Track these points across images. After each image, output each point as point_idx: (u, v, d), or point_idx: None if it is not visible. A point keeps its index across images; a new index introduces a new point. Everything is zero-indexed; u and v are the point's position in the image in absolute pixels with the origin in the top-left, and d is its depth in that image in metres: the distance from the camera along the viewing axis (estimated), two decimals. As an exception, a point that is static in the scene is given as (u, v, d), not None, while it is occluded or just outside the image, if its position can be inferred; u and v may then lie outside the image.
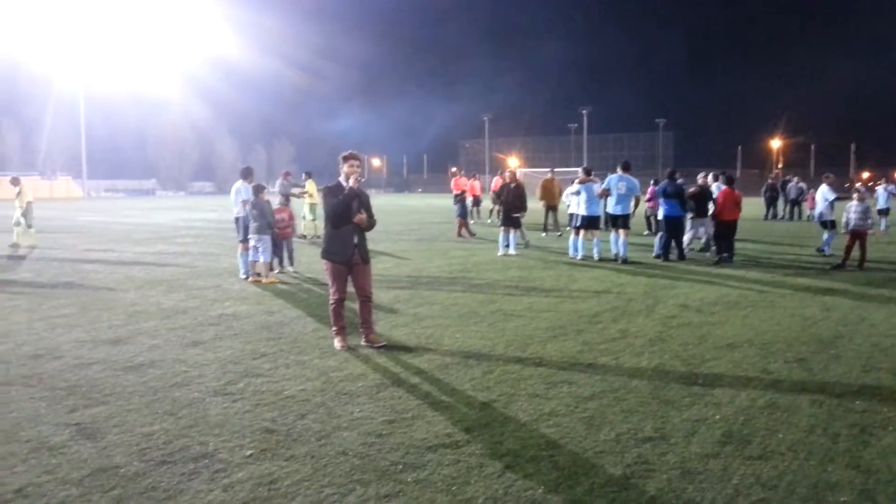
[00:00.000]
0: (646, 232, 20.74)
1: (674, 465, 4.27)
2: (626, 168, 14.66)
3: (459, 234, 20.08)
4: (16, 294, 10.25)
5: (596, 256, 14.54)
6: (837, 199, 15.64)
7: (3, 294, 10.26)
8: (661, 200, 14.80)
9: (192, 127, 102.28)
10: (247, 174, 12.41)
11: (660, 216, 15.39)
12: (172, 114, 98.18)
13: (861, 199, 13.42)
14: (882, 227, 22.37)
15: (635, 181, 14.62)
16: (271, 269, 11.66)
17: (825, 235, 15.82)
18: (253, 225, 11.30)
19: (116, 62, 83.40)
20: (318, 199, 18.96)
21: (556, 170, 24.43)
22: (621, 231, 14.27)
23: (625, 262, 13.95)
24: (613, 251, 14.46)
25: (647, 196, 19.53)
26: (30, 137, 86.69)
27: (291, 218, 13.13)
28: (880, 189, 25.29)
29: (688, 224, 15.51)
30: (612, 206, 14.41)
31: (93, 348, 7.00)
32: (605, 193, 14.51)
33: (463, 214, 20.75)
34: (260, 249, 11.34)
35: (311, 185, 19.89)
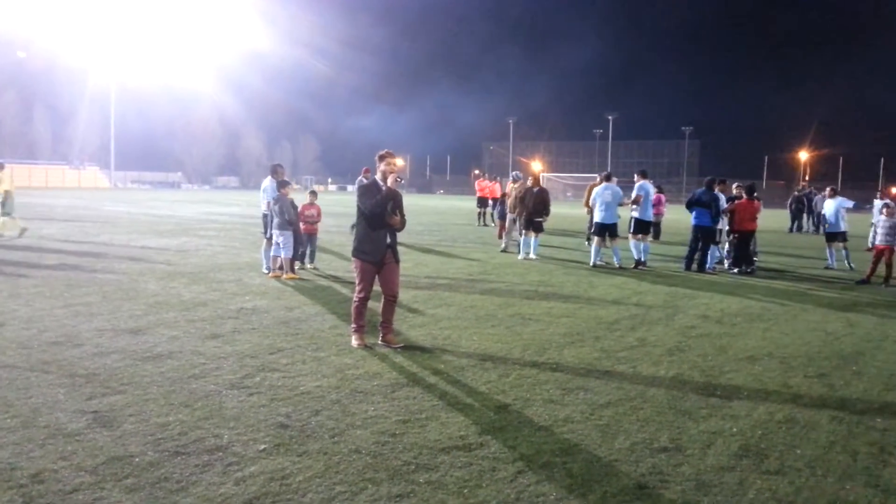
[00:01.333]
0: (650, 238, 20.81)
1: (689, 476, 4.22)
2: (608, 178, 15.00)
3: (500, 237, 19.71)
4: (40, 281, 10.39)
5: (616, 263, 14.45)
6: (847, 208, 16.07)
7: (28, 280, 10.41)
8: (693, 209, 14.56)
9: (220, 121, 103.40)
10: (275, 171, 12.41)
11: (690, 224, 15.40)
12: (201, 108, 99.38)
13: (890, 215, 13.21)
14: None
15: (619, 190, 14.86)
16: (292, 265, 11.69)
17: (842, 251, 15.71)
18: (275, 220, 11.37)
19: (149, 55, 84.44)
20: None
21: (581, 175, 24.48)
22: (614, 240, 14.49)
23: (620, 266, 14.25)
24: (635, 256, 14.56)
25: (653, 201, 19.87)
26: (62, 128, 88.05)
27: (320, 214, 13.12)
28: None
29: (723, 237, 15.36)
30: (599, 216, 14.56)
31: (113, 337, 7.07)
32: (637, 201, 14.78)
33: (503, 215, 20.35)
34: (281, 245, 11.39)
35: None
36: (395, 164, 6.98)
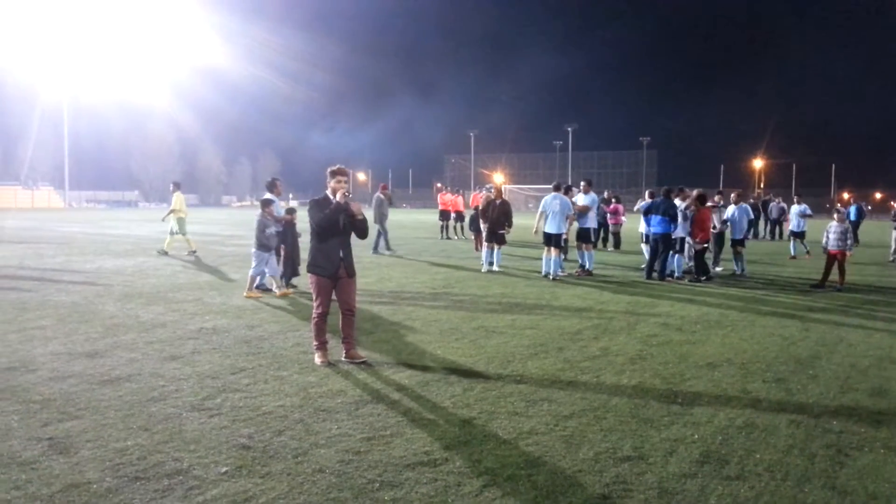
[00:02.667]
0: (604, 247, 21.46)
1: (651, 485, 4.26)
2: (557, 188, 15.00)
3: (478, 249, 19.61)
4: (-8, 305, 10.10)
5: (552, 274, 14.45)
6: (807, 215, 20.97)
7: (-20, 305, 10.12)
8: (650, 217, 14.75)
9: (178, 138, 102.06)
10: (273, 186, 12.14)
11: (644, 231, 16.01)
12: (157, 125, 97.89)
13: (841, 220, 13.57)
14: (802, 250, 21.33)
15: (568, 201, 14.85)
16: (282, 282, 11.70)
17: (801, 245, 19.54)
18: (254, 240, 11.33)
19: (102, 71, 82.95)
20: (184, 213, 18.84)
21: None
22: (554, 250, 14.53)
23: (555, 278, 14.36)
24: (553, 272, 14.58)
25: (611, 210, 22.05)
26: (13, 146, 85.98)
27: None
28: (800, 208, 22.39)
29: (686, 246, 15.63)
30: (548, 227, 14.61)
31: (69, 361, 6.91)
32: (584, 210, 15.18)
33: (477, 228, 20.16)
34: (254, 263, 11.30)
35: (178, 199, 18.79)
36: (344, 182, 6.98)
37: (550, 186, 15.48)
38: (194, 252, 18.45)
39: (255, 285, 11.48)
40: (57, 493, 3.96)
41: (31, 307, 9.93)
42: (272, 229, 11.46)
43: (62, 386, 6.04)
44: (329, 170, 7.01)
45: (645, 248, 17.05)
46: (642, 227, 16.89)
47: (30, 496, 3.92)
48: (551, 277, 14.34)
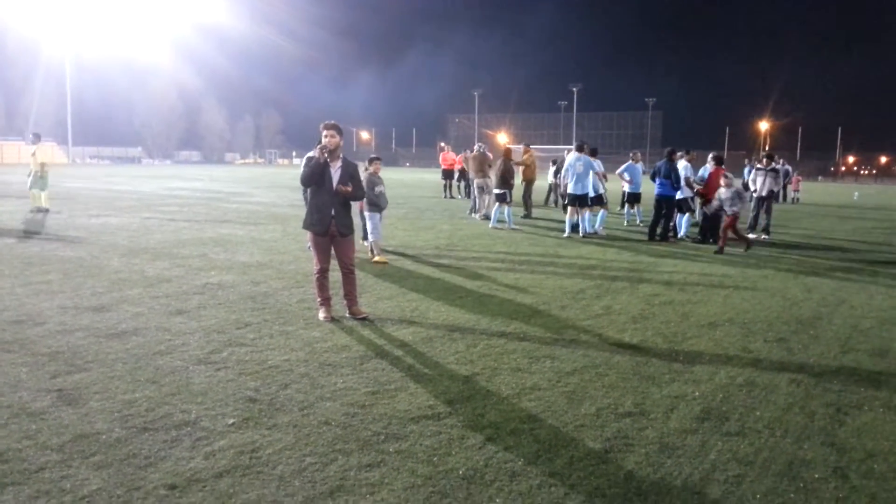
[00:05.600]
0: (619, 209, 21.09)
1: (652, 440, 4.32)
2: (580, 148, 15.05)
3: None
4: (-2, 259, 10.16)
5: (581, 233, 14.64)
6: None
7: (-15, 259, 10.16)
8: (656, 180, 14.76)
9: (181, 95, 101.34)
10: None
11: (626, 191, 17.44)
12: (162, 81, 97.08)
13: (728, 185, 13.13)
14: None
15: (591, 160, 14.90)
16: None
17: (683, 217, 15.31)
18: (364, 201, 10.70)
19: (107, 27, 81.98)
20: (43, 169, 17.76)
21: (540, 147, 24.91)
22: (586, 209, 14.77)
23: (594, 234, 14.99)
24: (584, 230, 14.85)
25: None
26: (16, 102, 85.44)
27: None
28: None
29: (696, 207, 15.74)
30: (572, 187, 14.70)
31: (76, 315, 6.97)
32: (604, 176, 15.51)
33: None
34: (370, 228, 10.84)
35: (41, 151, 17.86)
36: (329, 135, 6.88)
37: (566, 148, 15.60)
38: (46, 210, 17.48)
39: (376, 248, 10.91)
40: (67, 443, 4.03)
41: (36, 262, 9.98)
42: (381, 188, 10.95)
43: (69, 339, 6.10)
44: (322, 125, 6.97)
45: (626, 208, 18.08)
46: (625, 187, 17.80)
47: (40, 445, 3.99)
48: (582, 235, 14.66)
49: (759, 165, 16.29)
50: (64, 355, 5.64)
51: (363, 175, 10.33)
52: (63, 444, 4.01)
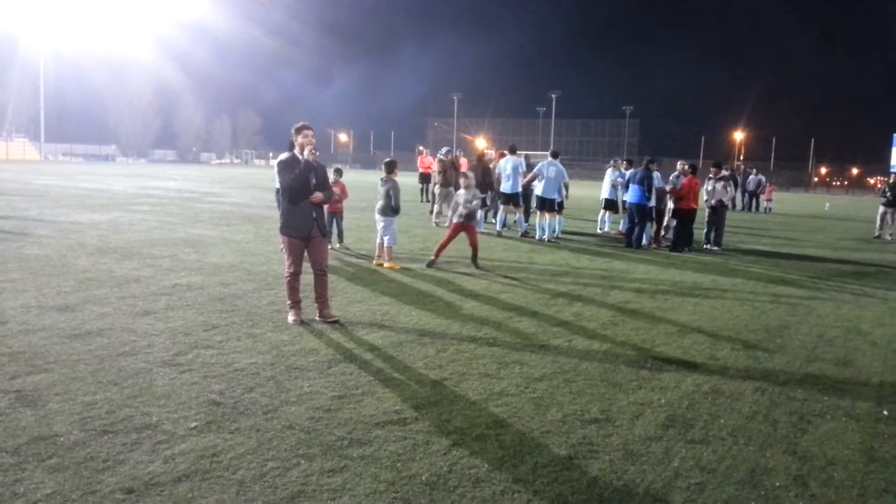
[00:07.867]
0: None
1: (617, 446, 4.33)
2: (555, 155, 15.67)
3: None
4: (-38, 257, 9.95)
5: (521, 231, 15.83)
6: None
7: (-51, 256, 9.96)
8: (630, 186, 14.95)
9: (157, 93, 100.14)
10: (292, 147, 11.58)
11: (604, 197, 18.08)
12: (137, 78, 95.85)
13: (467, 187, 11.10)
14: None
15: (563, 169, 15.45)
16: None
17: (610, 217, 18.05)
18: (379, 204, 10.80)
19: (82, 23, 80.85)
20: None
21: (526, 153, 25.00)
22: (548, 214, 15.08)
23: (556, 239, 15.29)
24: (539, 235, 15.17)
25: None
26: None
27: (345, 192, 12.60)
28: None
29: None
30: (541, 191, 15.03)
31: (40, 314, 6.84)
32: (534, 177, 15.51)
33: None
34: (388, 234, 10.78)
35: None
36: (311, 137, 6.85)
37: (545, 154, 16.01)
38: None
39: (389, 253, 10.85)
40: (23, 445, 3.94)
41: (2, 260, 9.79)
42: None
43: (32, 339, 5.99)
44: (294, 127, 6.89)
45: (601, 214, 18.55)
46: (605, 194, 18.30)
47: (-5, 447, 3.90)
48: (546, 239, 14.99)
49: (710, 174, 15.62)
50: (25, 356, 5.53)
51: (387, 184, 10.66)
52: (18, 447, 3.92)
